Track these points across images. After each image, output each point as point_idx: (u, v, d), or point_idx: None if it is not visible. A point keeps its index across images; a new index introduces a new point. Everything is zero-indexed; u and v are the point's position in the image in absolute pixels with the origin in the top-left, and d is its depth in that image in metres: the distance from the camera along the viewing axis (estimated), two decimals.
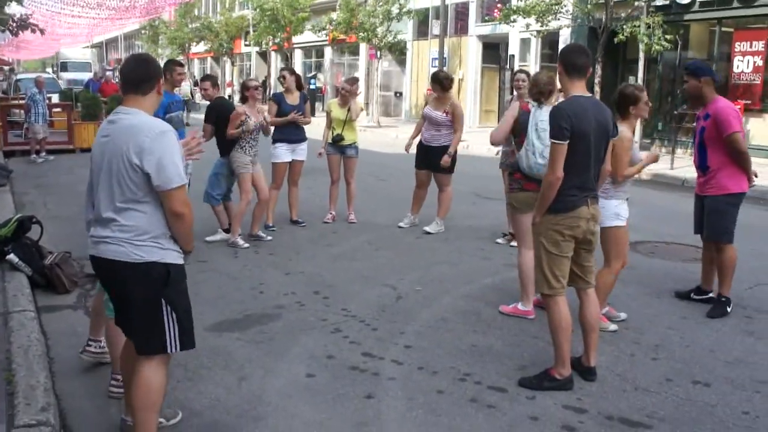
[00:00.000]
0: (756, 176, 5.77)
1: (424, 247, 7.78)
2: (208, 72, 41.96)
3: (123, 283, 3.23)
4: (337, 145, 8.71)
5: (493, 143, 6.06)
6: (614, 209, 5.11)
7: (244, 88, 8.04)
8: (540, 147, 5.17)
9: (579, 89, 4.19)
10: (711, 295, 5.86)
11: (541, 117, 5.33)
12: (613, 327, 5.20)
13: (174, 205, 3.13)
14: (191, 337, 3.37)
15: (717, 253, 5.73)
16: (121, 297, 3.30)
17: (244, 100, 8.02)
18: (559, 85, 5.25)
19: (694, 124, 5.93)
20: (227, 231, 7.89)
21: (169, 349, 3.26)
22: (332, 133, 8.71)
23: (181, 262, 3.30)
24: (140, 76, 3.30)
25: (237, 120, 7.54)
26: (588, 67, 4.27)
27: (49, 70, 38.86)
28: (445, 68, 23.83)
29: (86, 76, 31.77)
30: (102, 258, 3.21)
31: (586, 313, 4.38)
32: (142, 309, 3.22)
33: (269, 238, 7.94)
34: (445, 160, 8.12)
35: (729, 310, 5.62)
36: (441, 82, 8.15)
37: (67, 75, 30.61)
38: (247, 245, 7.62)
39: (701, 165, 5.72)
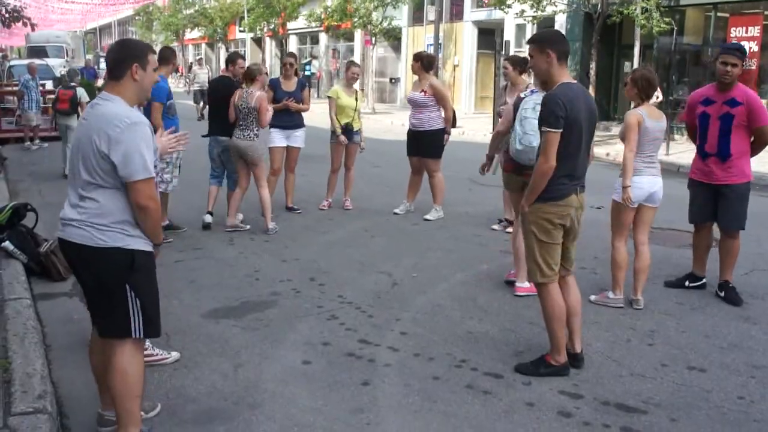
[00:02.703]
0: None
1: (420, 234, 7.78)
2: (202, 57, 41.53)
3: (87, 267, 3.25)
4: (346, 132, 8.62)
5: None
6: (617, 184, 5.33)
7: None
8: (520, 134, 5.24)
9: (566, 76, 4.14)
10: (704, 281, 5.88)
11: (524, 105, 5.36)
12: None
13: (138, 197, 3.13)
14: (156, 325, 3.38)
15: (730, 240, 5.68)
16: (86, 280, 3.32)
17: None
18: (529, 81, 5.30)
19: (705, 109, 5.67)
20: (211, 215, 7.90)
21: (134, 334, 3.26)
22: (340, 122, 8.58)
23: (149, 249, 3.28)
24: (113, 59, 3.28)
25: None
26: None
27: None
28: (440, 54, 23.81)
29: (58, 61, 29.51)
30: (67, 241, 3.23)
31: (567, 298, 4.34)
32: (105, 293, 3.23)
33: (248, 227, 7.78)
34: (446, 139, 8.32)
35: None
36: (422, 60, 8.27)
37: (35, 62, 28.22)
38: (277, 228, 7.66)
39: (722, 152, 5.52)
